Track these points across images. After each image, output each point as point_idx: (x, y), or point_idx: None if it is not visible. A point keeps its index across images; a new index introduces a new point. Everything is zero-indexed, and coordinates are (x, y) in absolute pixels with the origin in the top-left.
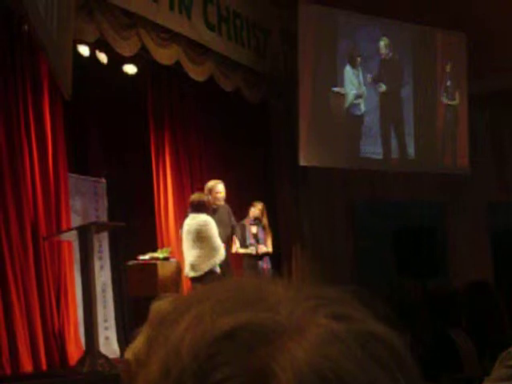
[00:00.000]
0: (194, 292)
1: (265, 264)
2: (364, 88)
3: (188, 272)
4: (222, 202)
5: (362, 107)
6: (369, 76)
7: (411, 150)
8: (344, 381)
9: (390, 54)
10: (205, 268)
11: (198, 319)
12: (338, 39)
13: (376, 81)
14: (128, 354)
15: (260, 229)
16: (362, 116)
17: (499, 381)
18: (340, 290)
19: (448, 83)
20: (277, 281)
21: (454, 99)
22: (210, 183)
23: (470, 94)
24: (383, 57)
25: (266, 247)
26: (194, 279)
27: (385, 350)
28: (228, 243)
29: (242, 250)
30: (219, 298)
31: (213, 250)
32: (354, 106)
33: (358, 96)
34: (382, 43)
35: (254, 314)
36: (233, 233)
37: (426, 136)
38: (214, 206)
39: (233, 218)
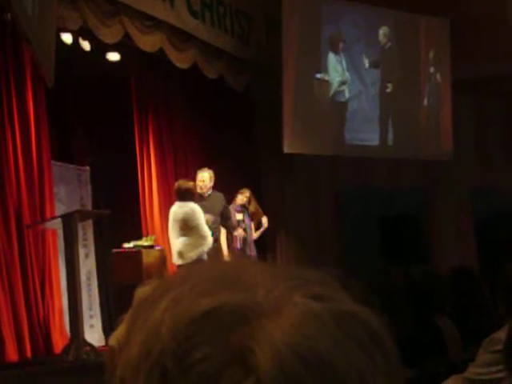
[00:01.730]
0: (173, 275)
1: (251, 251)
2: (347, 74)
3: (176, 260)
4: (205, 191)
5: (346, 94)
6: (366, 60)
7: (396, 137)
8: (322, 359)
9: (389, 44)
10: (193, 256)
11: (177, 300)
12: (321, 26)
13: (375, 67)
14: (112, 341)
15: (246, 216)
16: (345, 102)
17: (484, 366)
18: (319, 272)
19: (431, 69)
20: (256, 262)
21: (438, 85)
22: (198, 171)
23: (454, 80)
24: (382, 45)
25: (254, 233)
26: (181, 267)
27: (363, 330)
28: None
29: (224, 244)
30: (198, 279)
31: (200, 238)
32: (339, 92)
33: (342, 83)
34: (381, 31)
35: (233, 294)
36: (224, 224)
37: (409, 123)
38: (201, 193)
39: (228, 209)
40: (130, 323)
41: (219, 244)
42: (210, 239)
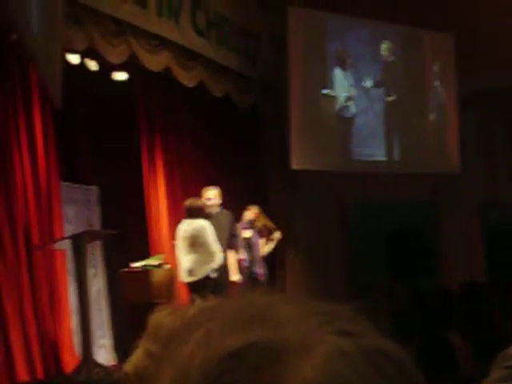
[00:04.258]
0: (201, 310)
1: (260, 269)
2: (353, 90)
3: (184, 277)
4: (214, 208)
5: (353, 109)
6: (368, 81)
7: (402, 151)
8: None
9: (392, 58)
10: (201, 273)
11: (207, 338)
12: (327, 42)
13: (379, 86)
14: (128, 367)
15: (254, 233)
16: (352, 118)
17: (498, 382)
18: (346, 306)
19: (436, 83)
20: (282, 297)
21: (443, 99)
22: (204, 189)
23: (459, 94)
24: (384, 59)
25: (262, 249)
26: (190, 284)
27: (392, 366)
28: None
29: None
30: (227, 316)
31: (209, 255)
32: (345, 108)
33: (348, 98)
34: (383, 46)
35: (261, 332)
36: (231, 242)
37: (415, 137)
38: (208, 212)
39: (235, 226)
40: (158, 359)
41: (227, 262)
42: (219, 256)
